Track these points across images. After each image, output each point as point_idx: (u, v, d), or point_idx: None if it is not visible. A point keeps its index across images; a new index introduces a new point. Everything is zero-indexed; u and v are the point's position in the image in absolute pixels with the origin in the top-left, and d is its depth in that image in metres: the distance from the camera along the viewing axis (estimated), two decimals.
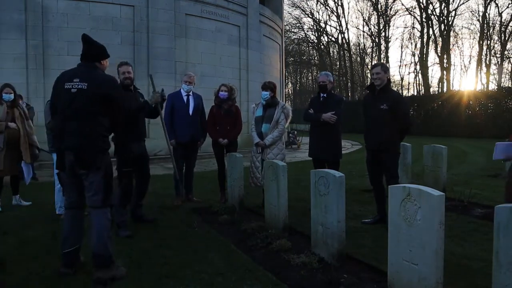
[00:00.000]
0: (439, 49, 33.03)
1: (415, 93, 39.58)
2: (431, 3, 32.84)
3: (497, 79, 32.89)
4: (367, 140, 4.53)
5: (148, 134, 8.51)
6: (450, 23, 32.13)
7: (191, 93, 5.48)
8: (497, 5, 33.02)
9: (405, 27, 55.00)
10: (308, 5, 53.80)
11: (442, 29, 32.31)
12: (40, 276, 2.95)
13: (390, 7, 37.97)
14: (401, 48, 62.29)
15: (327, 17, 53.50)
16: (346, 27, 60.62)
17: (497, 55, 32.77)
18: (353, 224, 4.28)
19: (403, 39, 58.41)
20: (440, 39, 32.68)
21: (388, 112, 4.22)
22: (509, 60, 33.37)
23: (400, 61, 54.82)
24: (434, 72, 65.04)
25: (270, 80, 5.43)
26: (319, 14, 54.00)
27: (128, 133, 4.06)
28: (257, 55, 13.83)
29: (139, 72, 9.54)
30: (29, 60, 9.74)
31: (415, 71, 40.27)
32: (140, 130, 4.34)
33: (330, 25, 52.54)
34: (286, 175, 3.94)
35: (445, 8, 31.98)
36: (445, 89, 31.70)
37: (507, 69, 33.96)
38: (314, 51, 46.51)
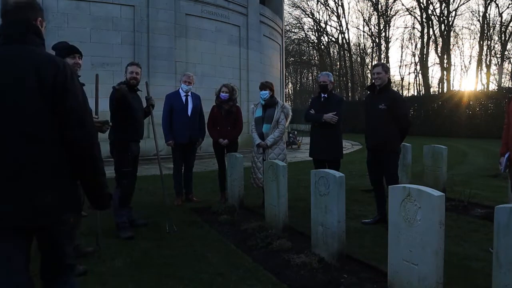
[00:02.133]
0: (439, 49, 33.00)
1: (415, 93, 39.60)
2: (431, 3, 32.82)
3: (497, 79, 32.89)
4: (367, 140, 4.54)
5: (148, 134, 8.50)
6: (450, 23, 32.11)
7: (189, 93, 5.47)
8: (497, 5, 33.12)
9: (405, 27, 55.02)
10: (308, 5, 53.68)
11: (442, 29, 32.27)
12: None
13: (390, 7, 37.93)
14: (401, 48, 62.46)
15: (327, 17, 53.40)
16: (346, 27, 60.71)
17: (497, 55, 32.73)
18: (353, 224, 4.27)
19: (403, 39, 58.21)
20: (440, 39, 32.65)
21: (387, 112, 4.22)
22: (509, 60, 33.32)
23: (400, 61, 54.96)
24: (434, 72, 64.95)
25: (269, 80, 5.45)
26: (319, 14, 53.92)
27: (132, 133, 4.08)
28: (257, 55, 13.82)
29: None
30: None
31: (415, 71, 40.29)
32: (142, 130, 4.34)
33: (330, 25, 52.60)
34: (286, 175, 3.94)
35: (445, 8, 31.95)
36: (445, 89, 31.65)
37: (507, 69, 33.95)
38: (314, 51, 46.45)
